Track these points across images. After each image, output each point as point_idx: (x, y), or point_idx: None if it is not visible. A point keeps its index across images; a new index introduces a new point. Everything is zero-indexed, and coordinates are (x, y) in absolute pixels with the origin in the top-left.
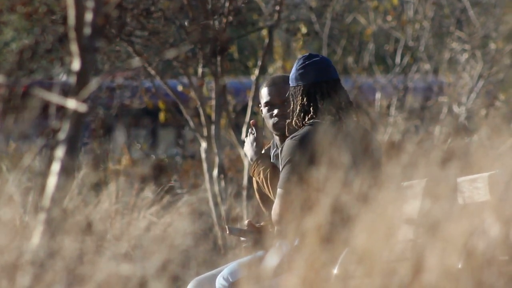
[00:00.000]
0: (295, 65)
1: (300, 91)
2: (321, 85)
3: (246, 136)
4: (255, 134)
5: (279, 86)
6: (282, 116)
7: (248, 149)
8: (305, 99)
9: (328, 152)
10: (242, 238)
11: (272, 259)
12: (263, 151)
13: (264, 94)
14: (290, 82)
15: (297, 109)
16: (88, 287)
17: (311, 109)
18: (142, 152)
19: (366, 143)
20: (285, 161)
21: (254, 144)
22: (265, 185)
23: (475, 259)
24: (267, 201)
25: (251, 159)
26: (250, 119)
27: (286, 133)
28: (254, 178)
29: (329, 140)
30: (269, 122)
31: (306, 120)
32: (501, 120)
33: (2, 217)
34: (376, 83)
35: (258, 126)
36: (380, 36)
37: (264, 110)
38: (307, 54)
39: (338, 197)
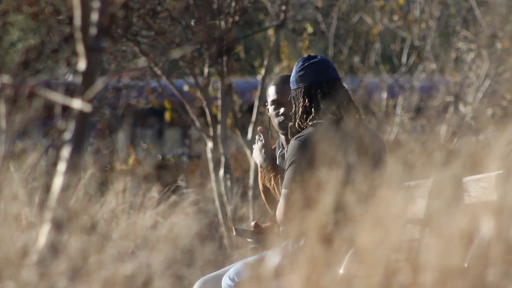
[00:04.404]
0: (294, 68)
1: (301, 93)
2: (322, 85)
3: (252, 135)
4: (263, 141)
5: (286, 85)
6: (288, 115)
7: (257, 156)
8: (306, 100)
9: (331, 152)
10: (248, 239)
11: (275, 259)
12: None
13: (271, 92)
14: (291, 85)
15: (299, 111)
16: (93, 286)
17: (312, 110)
18: (148, 152)
19: (369, 141)
20: (290, 162)
21: (263, 151)
22: (276, 191)
23: (480, 259)
24: (272, 201)
25: (261, 166)
26: (256, 119)
27: (289, 135)
28: (260, 180)
29: (332, 140)
30: (275, 121)
31: (309, 121)
32: (507, 119)
33: (8, 216)
34: (382, 83)
35: (266, 132)
36: (386, 35)
37: (271, 108)
38: (306, 56)
39: (341, 196)
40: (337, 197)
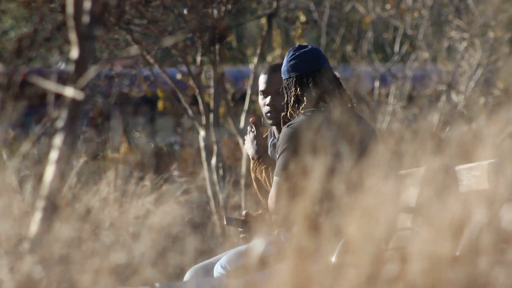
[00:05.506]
0: (285, 57)
1: (293, 82)
2: (313, 73)
3: (245, 123)
4: (255, 132)
5: (274, 75)
6: (273, 106)
7: (248, 147)
8: (298, 89)
9: (321, 140)
10: (239, 229)
11: (261, 247)
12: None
13: (261, 81)
14: (282, 75)
15: (291, 100)
16: (85, 274)
17: (304, 98)
18: (140, 141)
19: (360, 129)
20: (281, 149)
21: (255, 142)
22: (268, 183)
23: (473, 247)
24: (264, 191)
25: (252, 158)
26: (249, 108)
27: (281, 125)
28: (251, 170)
29: (323, 128)
30: (263, 110)
31: (301, 109)
32: (500, 108)
33: (1, 205)
34: (375, 72)
35: (258, 122)
36: (379, 24)
37: (260, 97)
38: (297, 45)
39: (330, 184)
40: (327, 185)
